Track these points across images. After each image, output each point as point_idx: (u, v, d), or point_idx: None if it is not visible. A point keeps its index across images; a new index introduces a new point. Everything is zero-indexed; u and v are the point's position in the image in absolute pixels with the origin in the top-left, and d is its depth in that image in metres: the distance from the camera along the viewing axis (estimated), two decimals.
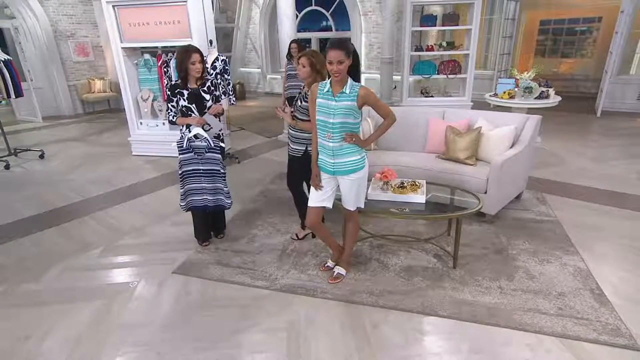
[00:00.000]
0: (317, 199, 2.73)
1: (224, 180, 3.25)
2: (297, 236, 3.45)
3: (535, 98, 5.73)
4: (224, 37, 12.41)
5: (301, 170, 3.21)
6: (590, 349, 2.21)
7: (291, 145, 3.21)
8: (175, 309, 2.66)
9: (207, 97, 3.12)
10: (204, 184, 3.19)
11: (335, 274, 2.89)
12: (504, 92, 5.94)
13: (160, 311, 2.64)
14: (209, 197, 3.23)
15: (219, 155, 3.15)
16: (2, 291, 2.88)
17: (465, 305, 2.59)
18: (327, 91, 2.45)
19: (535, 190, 4.36)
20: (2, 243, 3.57)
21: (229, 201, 3.31)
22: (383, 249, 3.28)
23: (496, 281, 2.83)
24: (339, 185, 2.69)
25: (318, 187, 2.70)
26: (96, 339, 2.40)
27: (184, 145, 3.08)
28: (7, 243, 3.57)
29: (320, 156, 2.64)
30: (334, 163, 2.56)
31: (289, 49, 5.74)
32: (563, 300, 2.60)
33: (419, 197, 3.01)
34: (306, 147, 3.11)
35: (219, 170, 3.18)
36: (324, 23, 11.41)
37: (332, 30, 11.22)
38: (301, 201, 3.35)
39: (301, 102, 3.01)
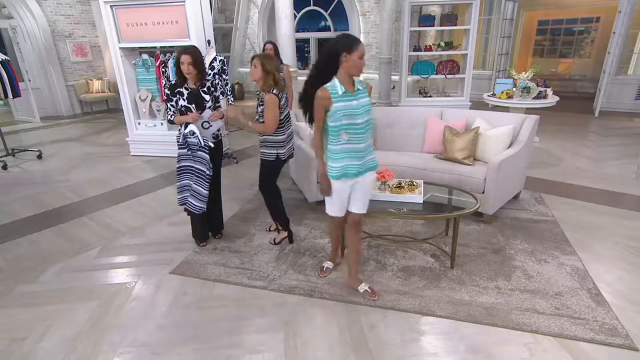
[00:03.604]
0: (341, 209, 2.59)
1: (207, 182, 3.15)
2: (274, 241, 3.41)
3: (533, 98, 5.75)
4: (223, 37, 12.40)
5: (274, 174, 3.25)
6: (587, 348, 2.21)
7: (261, 149, 3.17)
8: (173, 309, 2.66)
9: (207, 97, 3.12)
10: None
11: (369, 292, 2.70)
12: (502, 92, 5.95)
13: (157, 311, 2.63)
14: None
15: (207, 156, 3.13)
16: None
17: (462, 305, 2.59)
18: (344, 92, 2.27)
19: (533, 190, 4.36)
20: None
21: (201, 205, 3.16)
22: (381, 249, 3.28)
23: (493, 281, 2.83)
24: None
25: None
26: (93, 340, 2.40)
27: (180, 140, 3.09)
28: (5, 243, 3.56)
29: (350, 162, 2.39)
30: (361, 165, 2.42)
31: (263, 50, 4.90)
32: (560, 300, 2.61)
33: (417, 197, 3.01)
34: (276, 151, 3.10)
35: (204, 172, 3.15)
36: (323, 23, 11.41)
37: (330, 30, 11.22)
38: (275, 204, 3.34)
39: (260, 105, 3.02)
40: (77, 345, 2.36)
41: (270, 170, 3.23)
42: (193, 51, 3.02)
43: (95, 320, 2.56)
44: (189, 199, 3.20)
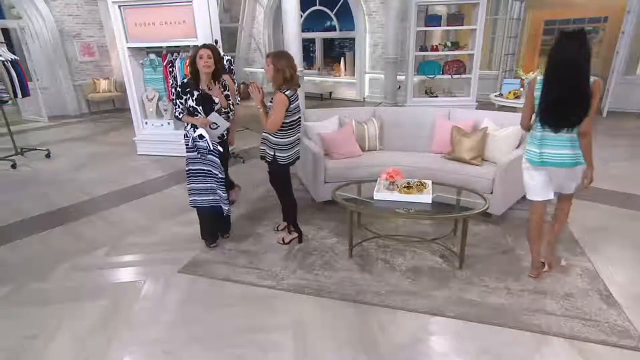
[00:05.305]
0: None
1: (222, 185, 3.20)
2: (283, 240, 3.40)
3: None
4: (229, 37, 12.42)
5: (280, 175, 3.22)
6: (599, 350, 2.20)
7: (260, 145, 3.16)
8: (182, 308, 2.67)
9: (216, 99, 3.13)
10: (208, 184, 3.19)
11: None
12: (510, 92, 5.92)
13: (166, 310, 2.65)
14: (213, 197, 3.23)
15: (218, 160, 3.13)
16: (10, 290, 2.90)
17: (472, 305, 2.58)
18: None
19: None
20: (9, 242, 3.59)
21: (227, 207, 3.27)
22: (389, 249, 3.28)
23: (503, 281, 2.82)
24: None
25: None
26: (103, 338, 2.41)
27: (189, 144, 3.10)
28: (15, 242, 3.59)
29: None
30: None
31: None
32: (570, 301, 2.59)
33: (426, 197, 3.00)
34: (274, 153, 3.07)
35: (217, 175, 3.16)
36: (328, 23, 11.41)
37: (336, 30, 11.22)
38: (289, 204, 3.34)
39: (270, 101, 2.99)
40: (89, 343, 2.38)
41: (274, 171, 3.21)
42: (212, 46, 3.09)
43: (106, 318, 2.58)
44: (222, 206, 3.23)
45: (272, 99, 2.99)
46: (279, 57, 2.91)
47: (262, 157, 3.20)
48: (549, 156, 2.55)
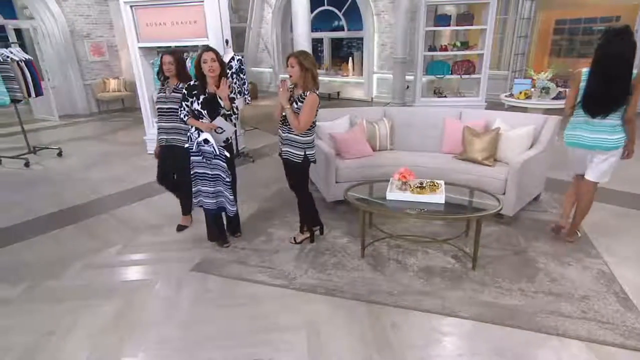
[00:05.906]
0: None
1: (229, 188, 3.18)
2: (294, 240, 3.40)
3: (552, 98, 5.65)
4: (237, 37, 12.46)
5: (302, 176, 3.19)
6: (617, 353, 2.17)
7: (286, 147, 3.07)
8: (195, 306, 2.68)
9: (222, 102, 3.11)
10: (213, 188, 3.18)
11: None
12: (520, 93, 5.87)
13: (179, 309, 2.66)
14: (217, 200, 3.24)
15: (224, 164, 3.10)
16: (26, 288, 2.93)
17: (485, 306, 2.57)
18: None
19: (553, 191, 4.29)
20: (24, 240, 3.63)
21: (233, 208, 3.25)
22: (401, 249, 3.27)
23: (517, 283, 2.79)
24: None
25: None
26: (117, 336, 2.43)
27: (194, 149, 3.08)
28: (29, 240, 3.63)
29: None
30: None
31: (161, 65, 3.36)
32: (587, 303, 2.56)
33: (439, 198, 2.99)
34: (305, 152, 3.02)
35: (224, 178, 3.15)
36: (336, 23, 11.40)
37: (344, 30, 11.21)
38: (307, 204, 3.32)
39: (297, 103, 2.94)
40: (103, 340, 2.40)
41: (299, 172, 3.15)
42: (212, 49, 3.01)
43: (119, 316, 2.60)
44: (227, 206, 3.22)
45: (296, 98, 2.94)
46: (305, 57, 2.85)
47: (288, 160, 3.09)
48: (584, 139, 2.93)
